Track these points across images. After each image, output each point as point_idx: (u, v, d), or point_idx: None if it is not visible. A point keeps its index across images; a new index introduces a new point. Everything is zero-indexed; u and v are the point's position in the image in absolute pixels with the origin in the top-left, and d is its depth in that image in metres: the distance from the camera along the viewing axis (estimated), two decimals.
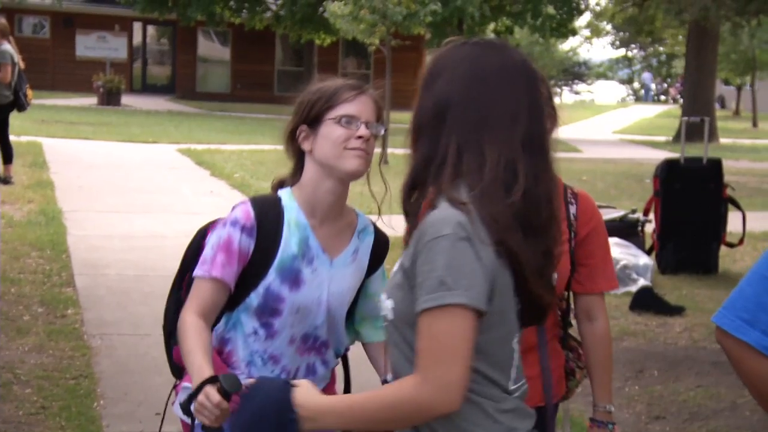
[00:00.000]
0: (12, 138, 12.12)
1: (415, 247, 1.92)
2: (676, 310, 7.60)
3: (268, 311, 2.57)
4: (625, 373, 6.12)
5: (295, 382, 2.08)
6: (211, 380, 2.25)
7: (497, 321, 1.93)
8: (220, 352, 2.61)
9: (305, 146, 2.57)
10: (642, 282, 8.17)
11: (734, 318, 2.38)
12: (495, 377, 1.96)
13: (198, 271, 2.53)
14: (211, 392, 2.22)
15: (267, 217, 2.54)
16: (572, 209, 2.83)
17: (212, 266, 2.50)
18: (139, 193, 11.96)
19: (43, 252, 8.28)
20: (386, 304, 1.98)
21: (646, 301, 7.68)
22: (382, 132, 2.56)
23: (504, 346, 1.97)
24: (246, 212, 2.54)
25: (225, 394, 2.21)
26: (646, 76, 62.04)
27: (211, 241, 2.54)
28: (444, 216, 1.90)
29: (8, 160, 11.80)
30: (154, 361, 5.50)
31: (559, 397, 2.94)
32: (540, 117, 2.02)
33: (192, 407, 2.25)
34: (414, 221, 1.97)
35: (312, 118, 2.55)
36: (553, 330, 2.90)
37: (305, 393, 2.02)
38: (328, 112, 2.53)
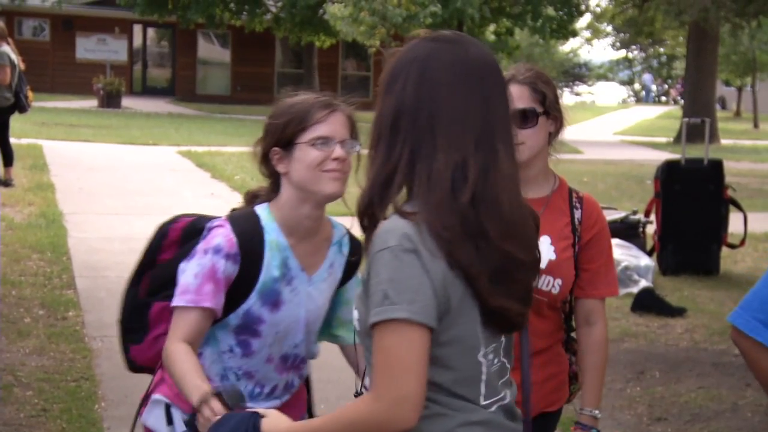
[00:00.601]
0: (12, 140, 12.13)
1: (367, 259, 1.89)
2: (678, 312, 7.60)
3: (248, 331, 2.54)
4: (627, 374, 6.11)
5: (262, 411, 2.06)
6: (214, 395, 2.25)
7: (456, 334, 1.88)
8: None
9: (280, 168, 2.51)
10: (643, 283, 8.17)
11: (750, 318, 2.38)
12: (460, 392, 1.91)
13: (181, 301, 2.44)
14: (216, 405, 2.22)
15: (249, 241, 2.48)
16: (577, 214, 2.81)
17: (200, 296, 2.43)
18: (140, 195, 11.95)
19: (44, 254, 8.28)
20: (354, 315, 1.97)
21: (647, 303, 7.68)
22: (358, 148, 2.48)
23: (466, 359, 1.90)
24: (228, 239, 2.46)
25: (228, 408, 2.22)
26: (647, 77, 62.06)
27: (192, 269, 2.46)
28: (391, 227, 1.85)
29: (9, 162, 11.81)
30: None
31: (562, 403, 2.92)
32: (495, 114, 1.93)
33: (197, 423, 2.24)
34: (371, 233, 1.92)
35: (285, 140, 2.48)
36: (557, 335, 2.88)
37: (271, 422, 2.01)
38: (301, 134, 2.46)
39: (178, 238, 2.64)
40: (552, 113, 2.77)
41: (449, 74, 1.91)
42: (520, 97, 2.71)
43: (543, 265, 2.70)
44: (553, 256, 2.74)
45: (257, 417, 2.04)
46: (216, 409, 2.21)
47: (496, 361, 1.97)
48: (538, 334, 2.76)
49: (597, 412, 2.81)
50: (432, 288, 1.82)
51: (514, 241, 1.90)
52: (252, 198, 2.61)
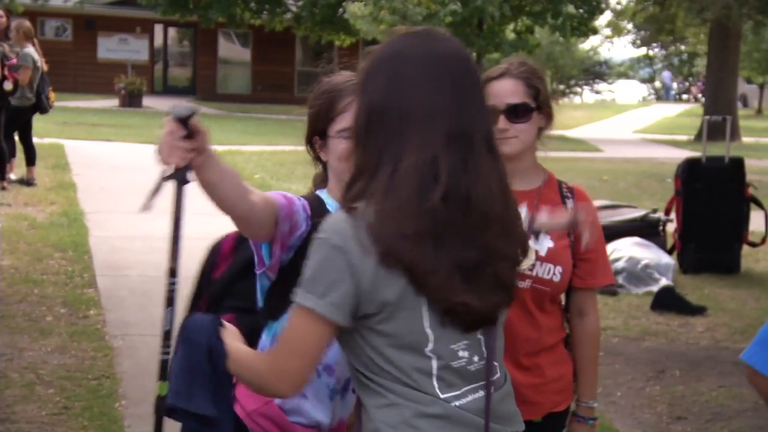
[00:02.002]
0: (35, 140, 12.21)
1: None
2: (698, 310, 7.57)
3: None
4: (647, 373, 6.09)
5: (224, 323, 2.13)
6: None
7: (395, 328, 1.89)
8: None
9: (323, 156, 2.49)
10: (663, 281, 8.13)
11: None
12: (413, 383, 1.91)
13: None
14: (168, 122, 2.19)
15: (319, 216, 2.40)
16: (569, 203, 2.82)
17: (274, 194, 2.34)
18: (161, 194, 11.97)
19: (66, 253, 8.33)
20: None
21: (667, 301, 7.64)
22: None
23: (409, 354, 1.90)
24: (304, 204, 2.39)
25: (182, 124, 2.18)
26: (666, 75, 61.74)
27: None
28: (331, 219, 1.91)
29: (31, 162, 11.88)
30: None
31: (569, 402, 2.88)
32: (470, 108, 1.92)
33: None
34: None
35: (320, 130, 2.46)
36: (561, 332, 2.87)
37: (228, 333, 2.10)
38: (331, 125, 2.42)
39: (231, 248, 2.61)
40: (544, 109, 2.78)
41: (418, 70, 1.90)
42: (514, 91, 2.72)
43: (543, 252, 2.72)
44: (551, 244, 2.75)
45: (218, 323, 2.11)
46: (167, 124, 2.19)
47: (475, 358, 1.95)
48: (544, 329, 2.76)
49: (594, 402, 2.84)
50: (353, 286, 1.86)
51: (493, 234, 1.90)
52: (318, 182, 2.58)
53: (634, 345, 6.70)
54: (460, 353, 1.93)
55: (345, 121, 2.39)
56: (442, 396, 1.92)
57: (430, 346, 1.91)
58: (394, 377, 1.91)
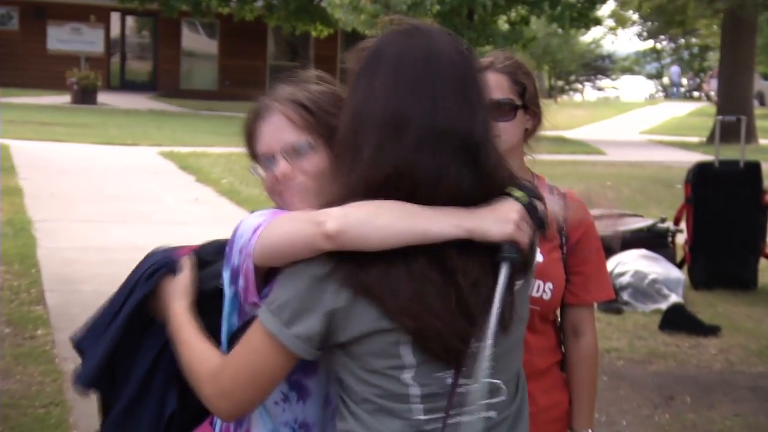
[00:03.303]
0: None
1: None
2: (711, 330, 7.58)
3: (302, 365, 2.12)
4: (654, 399, 6.10)
5: (180, 265, 2.22)
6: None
7: (365, 353, 1.88)
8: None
9: None
10: (673, 298, 8.15)
11: None
12: (387, 407, 1.90)
13: None
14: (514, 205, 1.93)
15: None
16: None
17: None
18: (118, 200, 11.96)
19: (11, 266, 8.27)
20: None
21: (677, 320, 7.66)
22: (307, 146, 2.18)
23: (386, 380, 1.89)
24: None
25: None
26: (674, 70, 62.10)
27: None
28: None
29: None
30: None
31: None
32: (433, 112, 1.88)
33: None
34: None
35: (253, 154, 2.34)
36: (555, 354, 2.85)
37: (172, 286, 2.19)
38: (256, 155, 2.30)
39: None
40: (531, 108, 2.77)
41: (387, 73, 1.90)
42: (498, 86, 2.72)
43: None
44: (540, 258, 2.70)
45: (163, 271, 2.24)
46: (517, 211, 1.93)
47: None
48: (534, 351, 2.73)
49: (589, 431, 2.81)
50: (324, 319, 1.85)
51: (454, 254, 1.88)
52: None
53: (640, 368, 6.71)
54: (448, 380, 1.91)
55: (261, 148, 2.28)
56: (418, 417, 1.90)
57: (410, 372, 1.89)
58: (369, 401, 1.90)
